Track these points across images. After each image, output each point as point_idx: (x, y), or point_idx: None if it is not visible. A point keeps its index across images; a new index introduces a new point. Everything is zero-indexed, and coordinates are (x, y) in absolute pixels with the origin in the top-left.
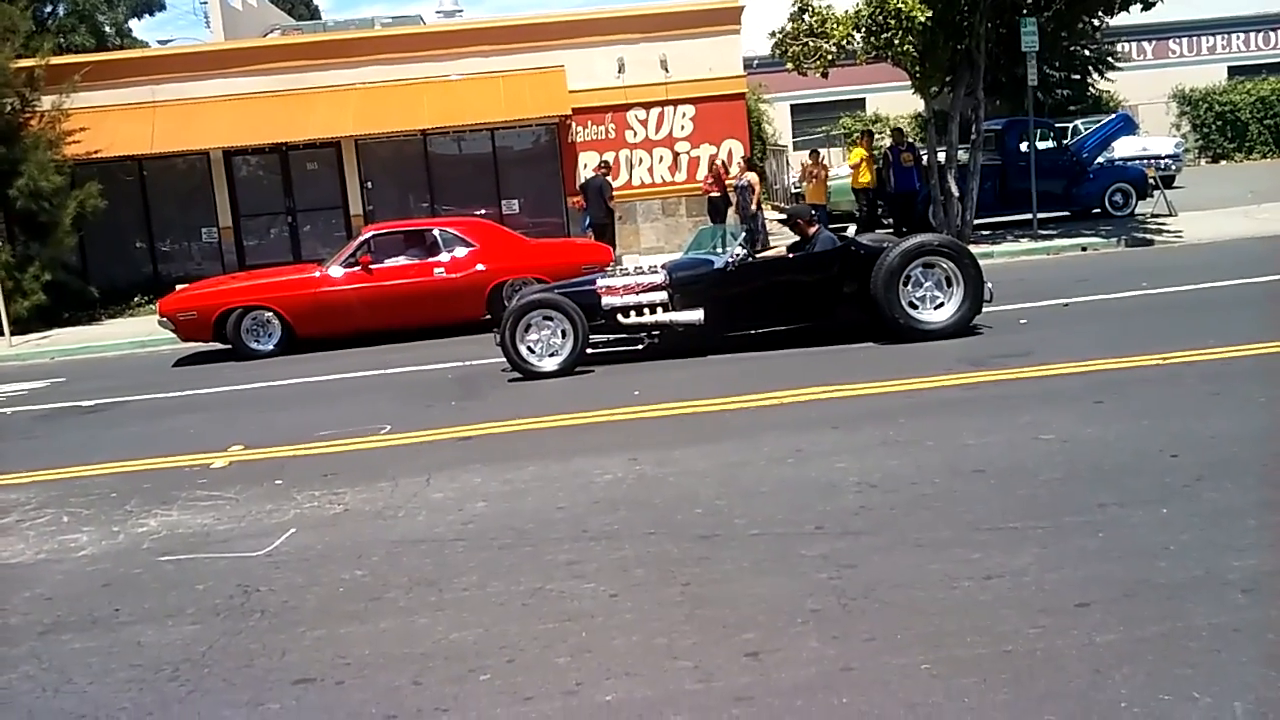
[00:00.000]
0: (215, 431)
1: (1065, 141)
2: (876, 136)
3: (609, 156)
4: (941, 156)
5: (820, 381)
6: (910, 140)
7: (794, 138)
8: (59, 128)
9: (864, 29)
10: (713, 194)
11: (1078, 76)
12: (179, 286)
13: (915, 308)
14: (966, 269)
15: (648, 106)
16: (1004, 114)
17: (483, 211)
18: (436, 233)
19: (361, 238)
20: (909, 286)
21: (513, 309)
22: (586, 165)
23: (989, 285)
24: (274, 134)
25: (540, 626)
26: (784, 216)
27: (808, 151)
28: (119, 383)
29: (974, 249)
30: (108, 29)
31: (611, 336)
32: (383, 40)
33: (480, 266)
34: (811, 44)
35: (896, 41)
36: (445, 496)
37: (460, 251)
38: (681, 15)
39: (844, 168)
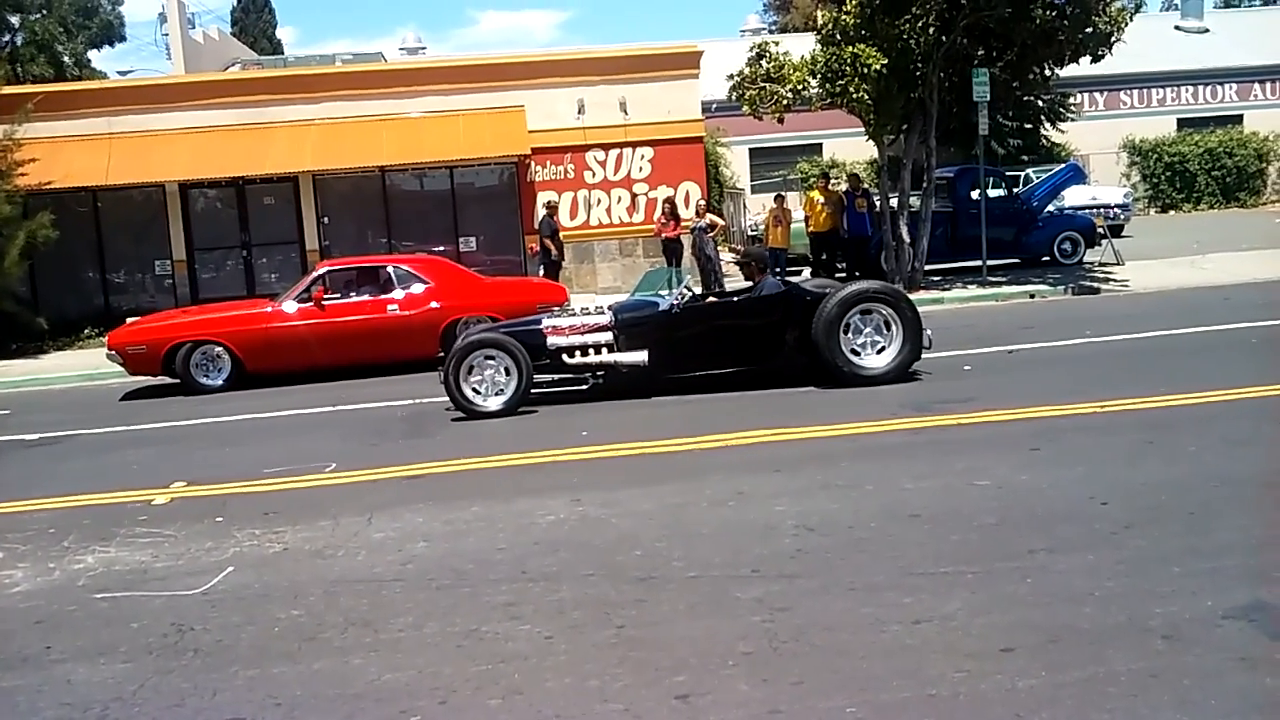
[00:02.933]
0: (159, 467)
1: (1016, 190)
2: (833, 181)
3: (565, 196)
4: (894, 203)
5: (765, 425)
6: (865, 186)
7: (752, 181)
8: (10, 157)
9: (819, 75)
10: (666, 235)
11: (1030, 125)
12: (130, 319)
13: (856, 354)
14: (905, 316)
15: (606, 148)
16: (958, 161)
17: (441, 249)
18: (391, 269)
19: (315, 273)
20: (849, 333)
21: (456, 348)
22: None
23: (928, 332)
24: (232, 168)
25: (474, 668)
26: (737, 259)
27: (773, 196)
28: (65, 416)
29: (924, 294)
30: (66, 59)
31: (557, 376)
32: (344, 76)
33: (435, 304)
34: (768, 89)
35: (851, 89)
36: (386, 536)
37: (415, 289)
38: (641, 59)
39: (800, 212)
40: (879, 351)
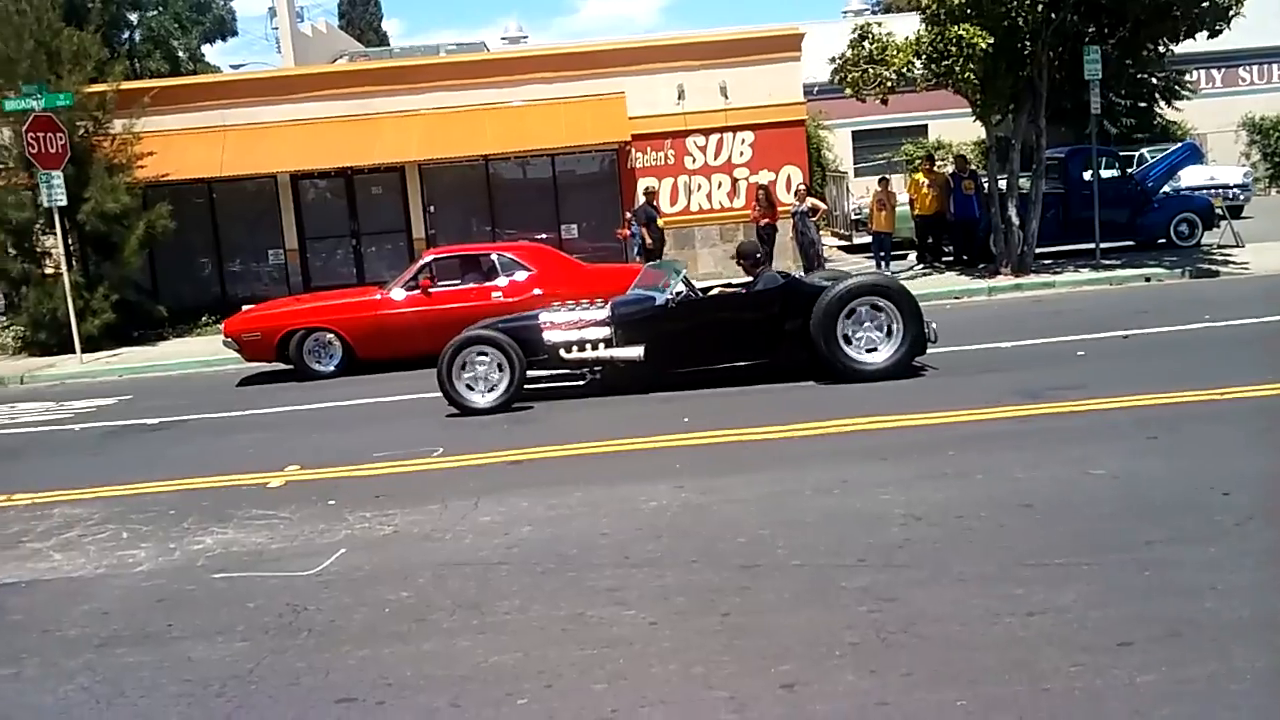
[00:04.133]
0: (274, 451)
1: (1130, 170)
2: (938, 163)
3: (665, 182)
4: (1003, 184)
5: (868, 412)
6: (972, 167)
7: (855, 164)
8: (129, 151)
9: (924, 56)
10: (762, 221)
11: (1144, 104)
12: (245, 307)
13: (855, 349)
14: (904, 310)
15: (707, 133)
16: (1069, 141)
17: (543, 236)
18: (495, 257)
19: (422, 261)
20: (849, 326)
21: (450, 345)
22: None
23: (933, 326)
24: (340, 158)
25: (579, 652)
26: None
27: (877, 179)
28: (184, 401)
29: (1035, 278)
30: (181, 54)
31: (555, 371)
32: (448, 67)
33: (537, 291)
34: (872, 71)
35: (957, 69)
36: (492, 520)
37: (518, 276)
38: (742, 42)
39: (904, 194)
40: (869, 350)
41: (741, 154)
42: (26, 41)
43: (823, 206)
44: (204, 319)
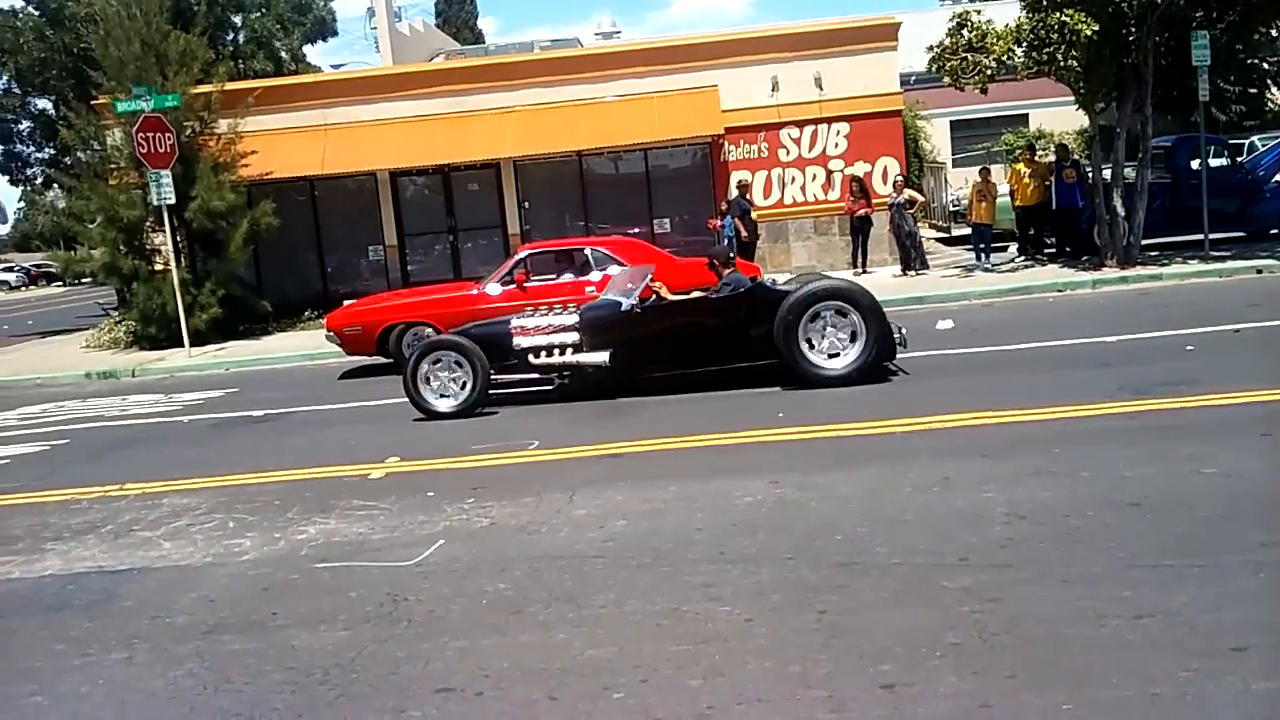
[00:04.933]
0: (375, 443)
1: (1240, 159)
2: (1039, 153)
3: (759, 175)
4: (1107, 174)
5: (970, 408)
6: (1075, 157)
7: (953, 154)
8: (234, 149)
9: (1025, 43)
10: (857, 213)
11: (1255, 90)
12: (346, 303)
13: (817, 354)
14: (867, 316)
15: (801, 124)
16: (1175, 129)
17: (635, 230)
18: (588, 252)
19: (517, 256)
20: (812, 331)
21: (415, 351)
22: (738, 184)
23: (902, 331)
24: (437, 155)
25: (674, 648)
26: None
27: (978, 170)
28: (287, 394)
29: (1141, 270)
30: (284, 55)
31: (524, 376)
32: (542, 63)
33: None
34: (970, 59)
35: (1059, 56)
36: (587, 513)
37: (611, 270)
38: (836, 33)
39: (1005, 185)
40: (831, 356)
41: (836, 145)
42: (135, 44)
43: (920, 198)
44: (306, 314)
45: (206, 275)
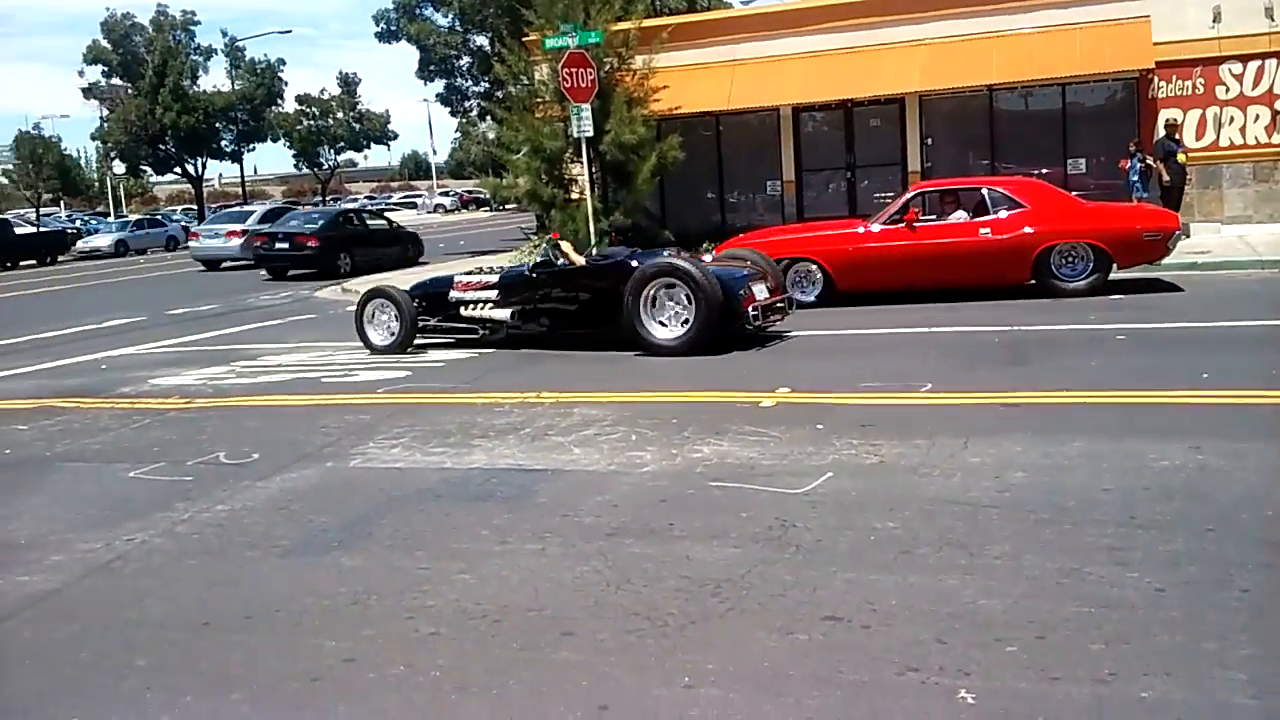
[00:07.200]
0: (764, 373)
1: None
2: None
3: (1191, 114)
4: None
5: None
6: None
7: None
8: (647, 85)
9: None
10: None
11: None
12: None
13: (654, 322)
14: (698, 293)
15: (1245, 59)
16: None
17: (1043, 171)
18: (984, 192)
19: (908, 195)
20: (654, 305)
21: (360, 297)
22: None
23: (752, 308)
24: (841, 91)
25: (1074, 608)
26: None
27: None
28: None
29: None
30: None
31: (458, 325)
32: None
33: (1028, 229)
34: None
35: None
36: (982, 461)
37: (1008, 212)
38: None
39: None
40: (671, 324)
41: None
42: None
43: None
44: (704, 245)
45: (616, 205)
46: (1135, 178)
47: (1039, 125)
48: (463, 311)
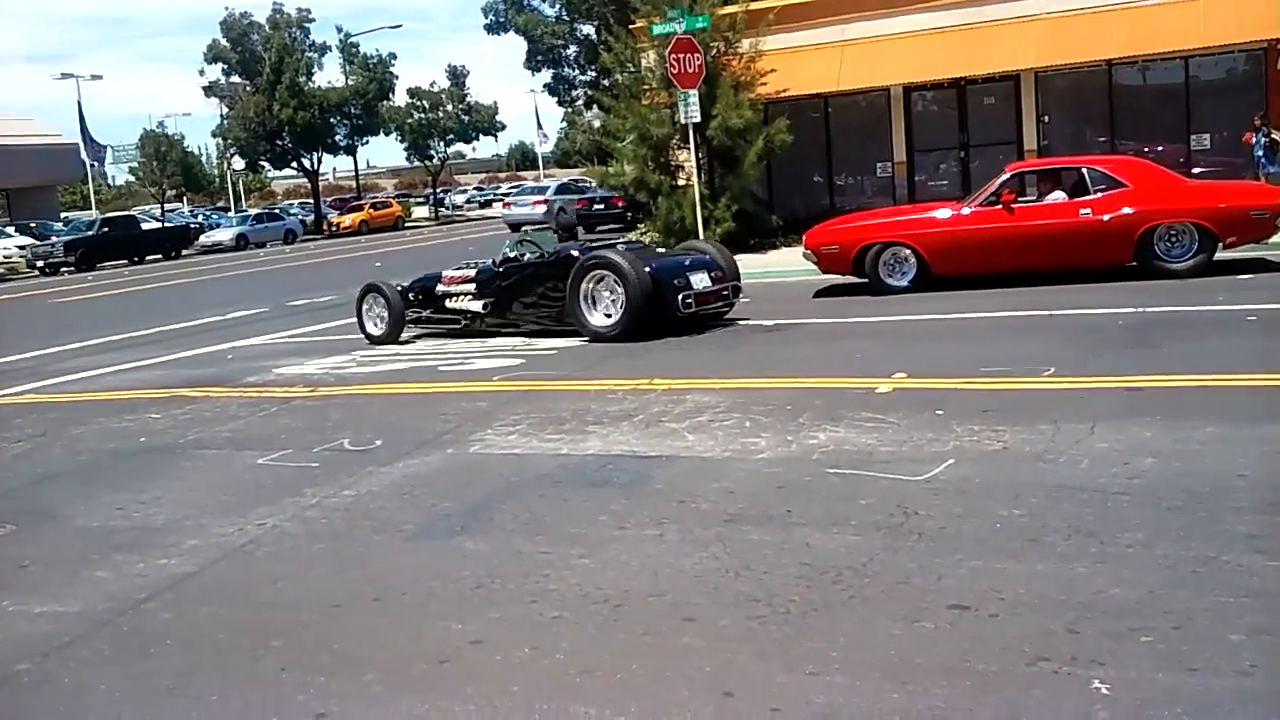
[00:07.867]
0: (880, 358)
1: None
2: None
3: None
4: None
5: None
6: None
7: None
8: (753, 68)
9: None
10: None
11: None
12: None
13: (593, 312)
14: (625, 283)
15: None
16: None
17: (1163, 148)
18: (1084, 171)
19: (1004, 176)
20: (591, 294)
21: (359, 292)
22: None
23: (682, 296)
24: (954, 69)
25: (1212, 598)
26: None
27: None
28: (791, 306)
29: None
30: None
31: (443, 315)
32: None
33: (1129, 209)
34: None
35: None
36: (1110, 447)
37: (1109, 191)
38: None
39: None
40: (607, 312)
41: None
42: None
43: None
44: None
45: (722, 190)
46: (1260, 153)
47: (1160, 100)
48: (447, 303)
